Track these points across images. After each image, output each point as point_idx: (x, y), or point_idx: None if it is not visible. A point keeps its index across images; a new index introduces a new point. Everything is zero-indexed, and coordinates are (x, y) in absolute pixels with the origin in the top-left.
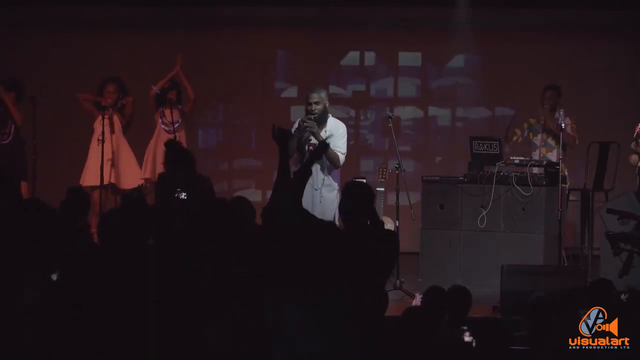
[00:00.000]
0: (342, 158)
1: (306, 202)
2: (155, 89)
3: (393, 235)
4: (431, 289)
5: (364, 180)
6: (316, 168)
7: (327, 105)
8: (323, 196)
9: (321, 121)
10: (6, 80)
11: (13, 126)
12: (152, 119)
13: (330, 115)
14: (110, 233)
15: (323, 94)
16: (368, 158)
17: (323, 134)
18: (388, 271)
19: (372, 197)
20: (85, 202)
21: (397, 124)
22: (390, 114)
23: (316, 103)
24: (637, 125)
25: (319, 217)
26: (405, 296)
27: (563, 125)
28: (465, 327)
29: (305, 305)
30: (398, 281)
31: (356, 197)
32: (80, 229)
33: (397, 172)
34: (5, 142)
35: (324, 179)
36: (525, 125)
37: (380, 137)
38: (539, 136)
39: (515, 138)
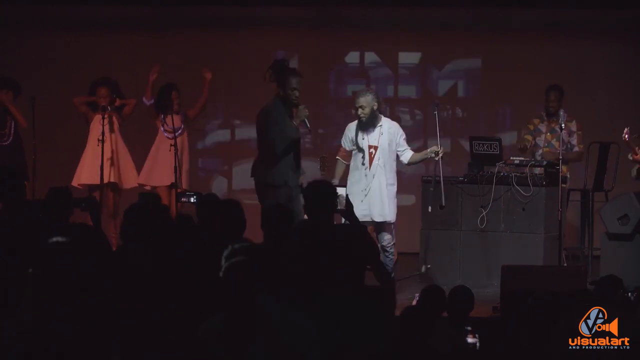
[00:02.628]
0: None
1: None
2: (147, 102)
3: (361, 228)
4: (428, 287)
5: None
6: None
7: (375, 108)
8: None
9: (372, 124)
10: (1, 79)
11: (13, 127)
12: (150, 123)
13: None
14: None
15: (369, 97)
16: None
17: (378, 136)
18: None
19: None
20: (69, 199)
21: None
22: (436, 103)
23: (362, 107)
24: (624, 130)
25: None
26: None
27: (563, 125)
28: (469, 328)
29: (302, 306)
30: (424, 267)
31: (323, 194)
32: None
33: (435, 158)
34: (6, 143)
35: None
36: (531, 127)
37: None
38: (543, 137)
39: (529, 145)
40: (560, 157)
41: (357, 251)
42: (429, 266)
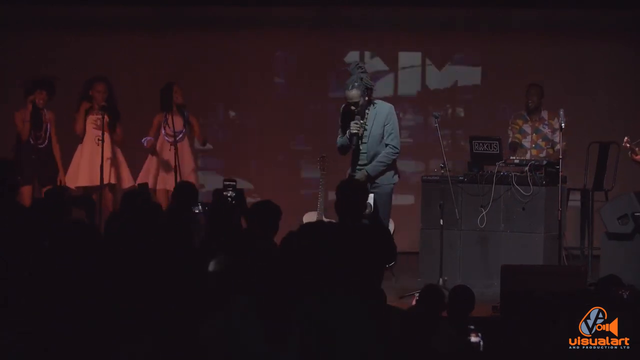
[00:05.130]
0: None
1: None
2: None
3: (383, 229)
4: (427, 287)
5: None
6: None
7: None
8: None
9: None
10: (36, 80)
11: (48, 130)
12: (147, 123)
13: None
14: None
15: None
16: None
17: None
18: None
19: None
20: (63, 199)
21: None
22: (437, 114)
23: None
24: (625, 139)
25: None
26: (405, 296)
27: (563, 125)
28: (472, 327)
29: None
30: (441, 279)
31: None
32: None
33: (442, 171)
34: (42, 145)
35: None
36: (517, 127)
37: None
38: (529, 137)
39: (519, 143)
40: (560, 157)
41: (376, 252)
42: (446, 278)
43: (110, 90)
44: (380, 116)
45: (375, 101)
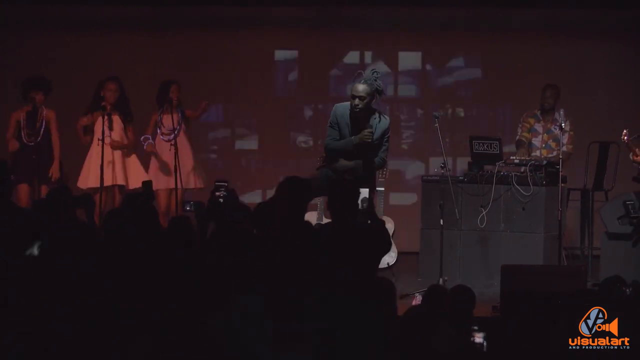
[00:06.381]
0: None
1: None
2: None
3: (379, 225)
4: (431, 287)
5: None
6: None
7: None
8: None
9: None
10: (32, 80)
11: (42, 128)
12: (147, 124)
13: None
14: (115, 229)
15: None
16: None
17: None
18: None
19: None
20: (68, 197)
21: (397, 123)
22: (437, 114)
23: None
24: (623, 132)
25: None
26: (405, 296)
27: (563, 125)
28: (476, 327)
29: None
30: (442, 279)
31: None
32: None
33: (442, 171)
34: (32, 143)
35: None
36: (528, 126)
37: None
38: (540, 137)
39: (526, 142)
40: (561, 157)
41: (372, 249)
42: (446, 279)
43: (122, 89)
44: (383, 126)
45: (382, 113)
